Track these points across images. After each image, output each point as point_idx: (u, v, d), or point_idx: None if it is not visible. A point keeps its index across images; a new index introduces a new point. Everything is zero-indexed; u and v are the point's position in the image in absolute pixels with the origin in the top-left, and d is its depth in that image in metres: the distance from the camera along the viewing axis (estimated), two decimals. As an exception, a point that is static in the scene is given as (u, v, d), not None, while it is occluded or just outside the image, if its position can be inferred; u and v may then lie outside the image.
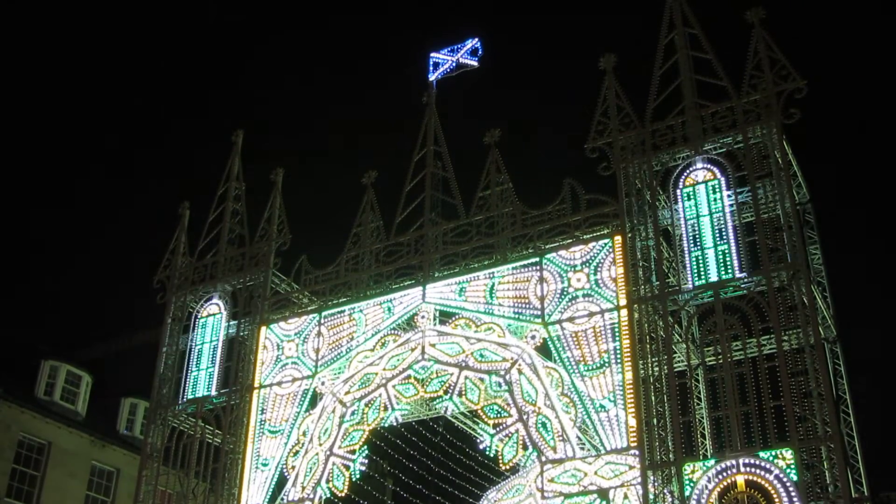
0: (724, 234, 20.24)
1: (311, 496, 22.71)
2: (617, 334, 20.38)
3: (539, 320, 21.53)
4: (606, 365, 20.35)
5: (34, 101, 70.88)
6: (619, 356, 20.16)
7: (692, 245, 20.48)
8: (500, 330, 22.01)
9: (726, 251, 19.95)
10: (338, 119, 75.73)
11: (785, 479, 17.40)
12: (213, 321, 26.22)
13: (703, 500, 18.02)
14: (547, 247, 22.16)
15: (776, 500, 17.37)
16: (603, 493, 19.23)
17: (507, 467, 21.11)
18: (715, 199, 20.84)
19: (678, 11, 22.70)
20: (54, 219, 67.35)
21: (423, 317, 23.22)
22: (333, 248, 25.47)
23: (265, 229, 26.59)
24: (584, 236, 21.79)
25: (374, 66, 79.67)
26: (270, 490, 23.50)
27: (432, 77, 26.74)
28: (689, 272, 20.29)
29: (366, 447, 22.97)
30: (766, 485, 17.56)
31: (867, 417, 22.00)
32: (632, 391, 19.46)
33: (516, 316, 22.04)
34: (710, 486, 18.39)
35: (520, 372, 21.29)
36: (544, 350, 21.65)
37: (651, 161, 21.43)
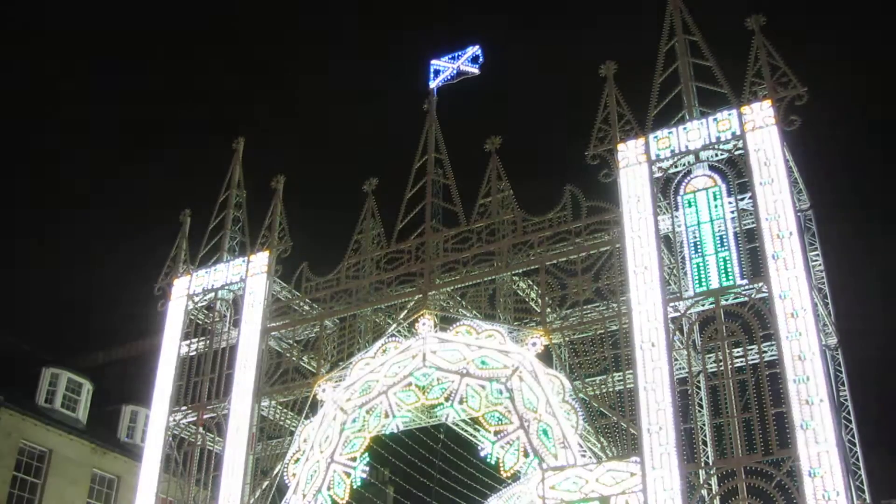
0: (724, 240, 20.25)
1: (312, 503, 22.66)
2: (618, 341, 20.38)
3: (540, 327, 21.54)
4: (607, 372, 20.36)
5: (35, 103, 71.00)
6: (619, 363, 20.16)
7: (693, 252, 20.48)
8: (501, 337, 21.98)
9: (727, 258, 19.95)
10: (339, 125, 75.83)
11: (787, 487, 17.36)
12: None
13: (704, 508, 17.98)
14: (548, 253, 22.16)
15: (778, 507, 17.33)
16: (604, 501, 19.19)
17: (509, 474, 21.06)
18: (716, 206, 20.85)
19: (678, 19, 22.73)
20: (55, 225, 67.37)
21: (423, 323, 23.21)
22: (334, 255, 25.50)
23: (266, 237, 26.60)
24: (585, 243, 21.79)
25: (375, 73, 79.81)
26: (271, 497, 23.46)
27: (433, 84, 26.77)
28: (689, 279, 20.29)
29: (367, 454, 22.96)
30: (768, 492, 17.52)
31: (868, 424, 21.95)
32: (633, 398, 19.44)
33: (517, 323, 22.05)
34: (712, 494, 18.36)
35: (521, 379, 21.25)
36: (545, 357, 21.65)
37: (652, 168, 21.44)
